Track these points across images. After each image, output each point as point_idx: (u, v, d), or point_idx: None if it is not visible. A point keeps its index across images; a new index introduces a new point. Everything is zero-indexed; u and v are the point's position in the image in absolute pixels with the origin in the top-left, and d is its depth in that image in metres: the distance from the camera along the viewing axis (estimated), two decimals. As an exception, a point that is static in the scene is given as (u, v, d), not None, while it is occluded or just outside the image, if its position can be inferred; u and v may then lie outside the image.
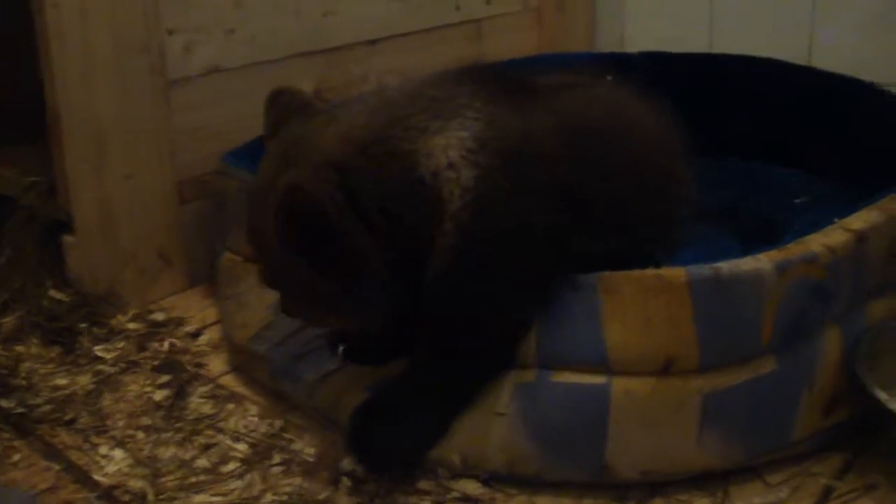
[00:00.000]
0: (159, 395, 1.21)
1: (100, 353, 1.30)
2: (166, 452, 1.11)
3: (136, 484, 1.06)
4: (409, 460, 1.06)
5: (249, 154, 1.32)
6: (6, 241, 1.43)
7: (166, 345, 1.32)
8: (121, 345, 1.32)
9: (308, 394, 1.15)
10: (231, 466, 1.09)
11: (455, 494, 1.03)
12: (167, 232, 1.44)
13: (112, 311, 1.38)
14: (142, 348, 1.31)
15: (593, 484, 1.04)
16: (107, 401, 1.21)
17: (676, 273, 1.00)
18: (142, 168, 1.39)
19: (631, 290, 1.00)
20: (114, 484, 1.06)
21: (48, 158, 1.39)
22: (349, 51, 1.61)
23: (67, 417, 1.17)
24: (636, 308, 1.00)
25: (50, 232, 1.43)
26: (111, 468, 1.09)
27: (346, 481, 1.05)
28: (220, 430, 1.15)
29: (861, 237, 1.07)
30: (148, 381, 1.24)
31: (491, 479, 1.05)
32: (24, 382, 1.23)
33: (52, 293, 1.40)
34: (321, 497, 1.03)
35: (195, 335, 1.35)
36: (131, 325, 1.36)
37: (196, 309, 1.42)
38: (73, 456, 1.11)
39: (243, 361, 1.26)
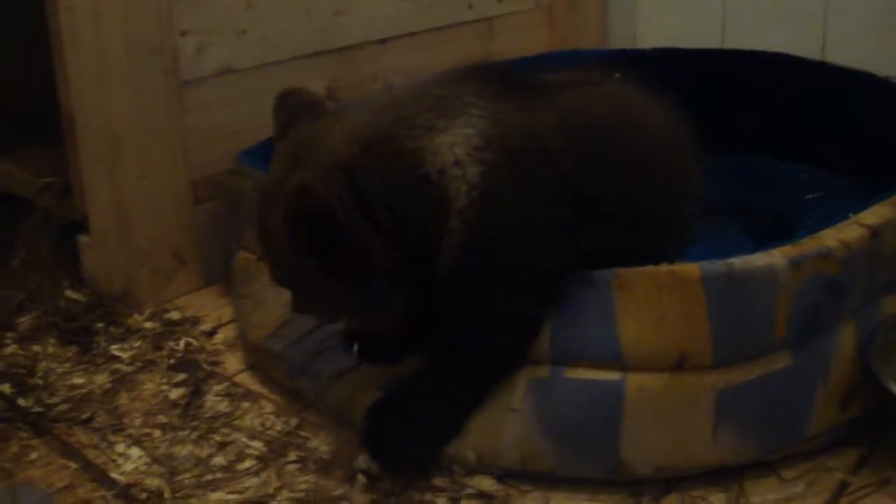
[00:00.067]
0: (175, 394, 1.22)
1: (116, 353, 1.31)
2: (182, 450, 1.12)
3: (153, 482, 1.06)
4: (424, 458, 1.06)
5: (263, 153, 1.32)
6: (22, 242, 1.44)
7: (182, 344, 1.33)
8: (137, 344, 1.32)
9: (323, 392, 1.15)
10: (247, 464, 1.09)
11: (470, 491, 1.03)
12: (182, 231, 1.45)
13: (128, 311, 1.39)
14: (158, 347, 1.32)
15: (608, 480, 1.04)
16: (123, 399, 1.22)
17: (690, 269, 1.00)
18: (156, 168, 1.40)
19: (644, 287, 1.00)
20: (130, 482, 1.07)
21: (63, 160, 1.41)
22: (360, 50, 1.62)
23: (84, 416, 1.18)
24: (650, 304, 1.00)
25: (65, 232, 1.44)
26: (128, 466, 1.10)
27: (361, 479, 1.05)
28: (236, 428, 1.15)
29: (875, 232, 1.07)
30: (164, 380, 1.25)
31: (505, 476, 1.05)
32: (41, 382, 1.24)
33: (69, 293, 1.41)
34: (336, 494, 1.04)
35: (211, 334, 1.36)
36: (147, 325, 1.37)
37: (211, 308, 1.43)
38: (90, 454, 1.12)
39: (259, 360, 1.27)
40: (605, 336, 1.01)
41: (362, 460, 1.06)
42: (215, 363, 1.29)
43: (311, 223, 0.96)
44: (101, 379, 1.25)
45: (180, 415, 1.18)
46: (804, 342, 1.04)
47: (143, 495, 1.05)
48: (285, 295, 1.08)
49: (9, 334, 1.34)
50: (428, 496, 1.03)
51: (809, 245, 1.03)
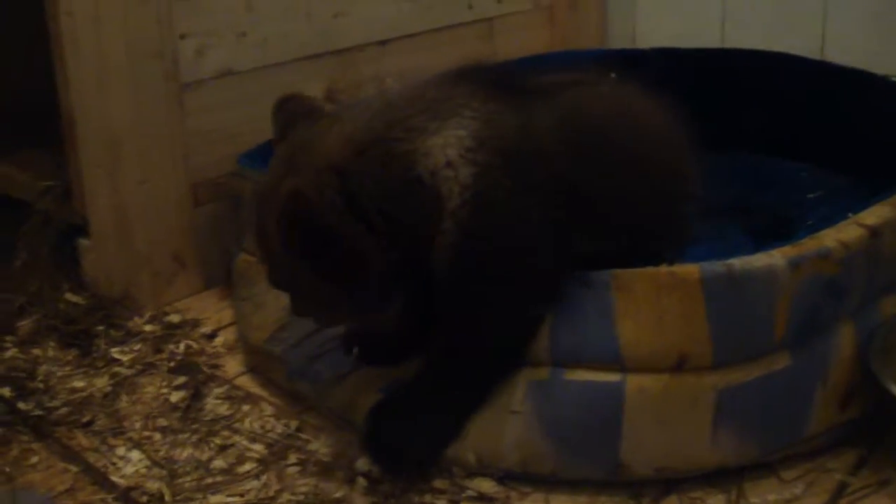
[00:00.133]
0: (176, 397, 1.22)
1: (116, 356, 1.31)
2: (183, 453, 1.12)
3: (153, 485, 1.07)
4: (424, 460, 1.06)
5: (264, 155, 1.32)
6: (22, 245, 1.44)
7: (182, 346, 1.33)
8: (137, 347, 1.33)
9: (323, 394, 1.15)
10: (247, 467, 1.09)
11: (470, 493, 1.03)
12: (182, 234, 1.45)
13: (128, 314, 1.39)
14: (158, 350, 1.32)
15: (608, 482, 1.04)
16: (123, 403, 1.22)
17: (689, 270, 1.00)
18: (156, 171, 1.40)
19: (644, 287, 1.00)
20: (131, 485, 1.07)
21: (63, 163, 1.41)
22: (360, 52, 1.62)
23: (85, 419, 1.18)
24: (649, 305, 1.00)
25: (65, 236, 1.44)
26: (128, 470, 1.10)
27: (361, 481, 1.05)
28: (237, 431, 1.16)
29: (875, 232, 1.06)
30: (164, 383, 1.25)
31: (506, 478, 1.05)
32: (41, 385, 1.24)
33: (69, 296, 1.41)
34: (337, 497, 1.04)
35: (211, 337, 1.36)
36: (147, 328, 1.37)
37: (212, 311, 1.43)
38: (91, 458, 1.12)
39: (259, 362, 1.27)
40: (604, 337, 1.01)
41: (363, 463, 1.06)
42: (215, 366, 1.29)
43: (303, 227, 0.96)
44: (102, 382, 1.25)
45: (180, 418, 1.18)
46: (804, 343, 1.04)
47: (144, 498, 1.05)
48: (285, 298, 1.08)
49: (9, 338, 1.34)
50: (428, 498, 1.03)
51: (809, 245, 1.03)
